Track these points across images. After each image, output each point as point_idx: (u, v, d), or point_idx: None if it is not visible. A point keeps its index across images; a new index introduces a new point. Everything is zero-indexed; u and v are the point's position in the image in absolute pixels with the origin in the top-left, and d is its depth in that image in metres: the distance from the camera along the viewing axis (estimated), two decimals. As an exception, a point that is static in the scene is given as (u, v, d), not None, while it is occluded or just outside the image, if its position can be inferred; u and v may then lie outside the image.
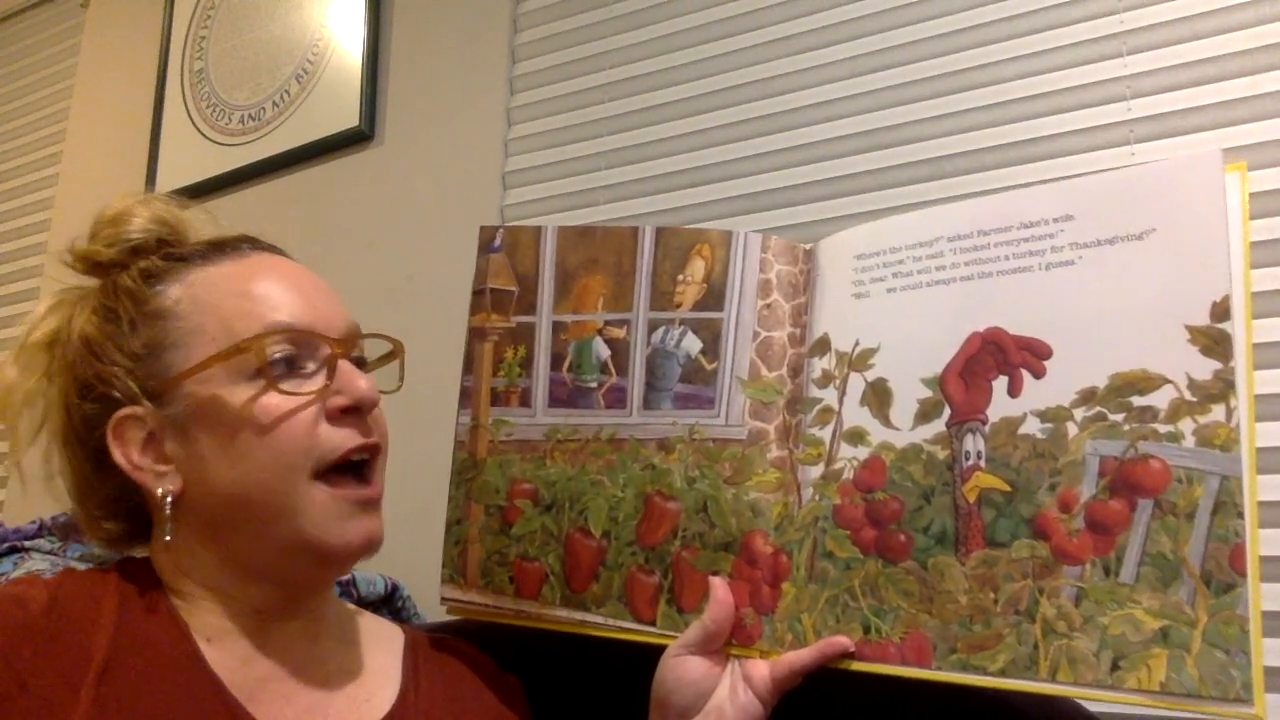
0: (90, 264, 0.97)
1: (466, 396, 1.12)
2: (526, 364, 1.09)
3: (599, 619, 1.02)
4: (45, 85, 2.97)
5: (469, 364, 1.12)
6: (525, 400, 1.09)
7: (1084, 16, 1.53)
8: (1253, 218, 1.33)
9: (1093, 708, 0.87)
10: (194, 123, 2.50)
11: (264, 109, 2.38)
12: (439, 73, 2.17)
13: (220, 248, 0.96)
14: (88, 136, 2.79)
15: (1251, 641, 0.74)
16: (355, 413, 0.91)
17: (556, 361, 1.08)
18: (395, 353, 1.04)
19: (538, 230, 1.11)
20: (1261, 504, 1.24)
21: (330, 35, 2.31)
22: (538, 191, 1.99)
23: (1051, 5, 1.56)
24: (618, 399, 1.05)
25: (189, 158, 2.47)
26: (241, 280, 0.92)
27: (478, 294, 1.13)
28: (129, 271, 0.94)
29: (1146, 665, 0.78)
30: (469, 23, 2.16)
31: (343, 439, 0.89)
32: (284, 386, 0.87)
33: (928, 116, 1.63)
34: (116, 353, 0.90)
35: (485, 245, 1.13)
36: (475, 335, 1.12)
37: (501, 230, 1.13)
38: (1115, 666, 0.79)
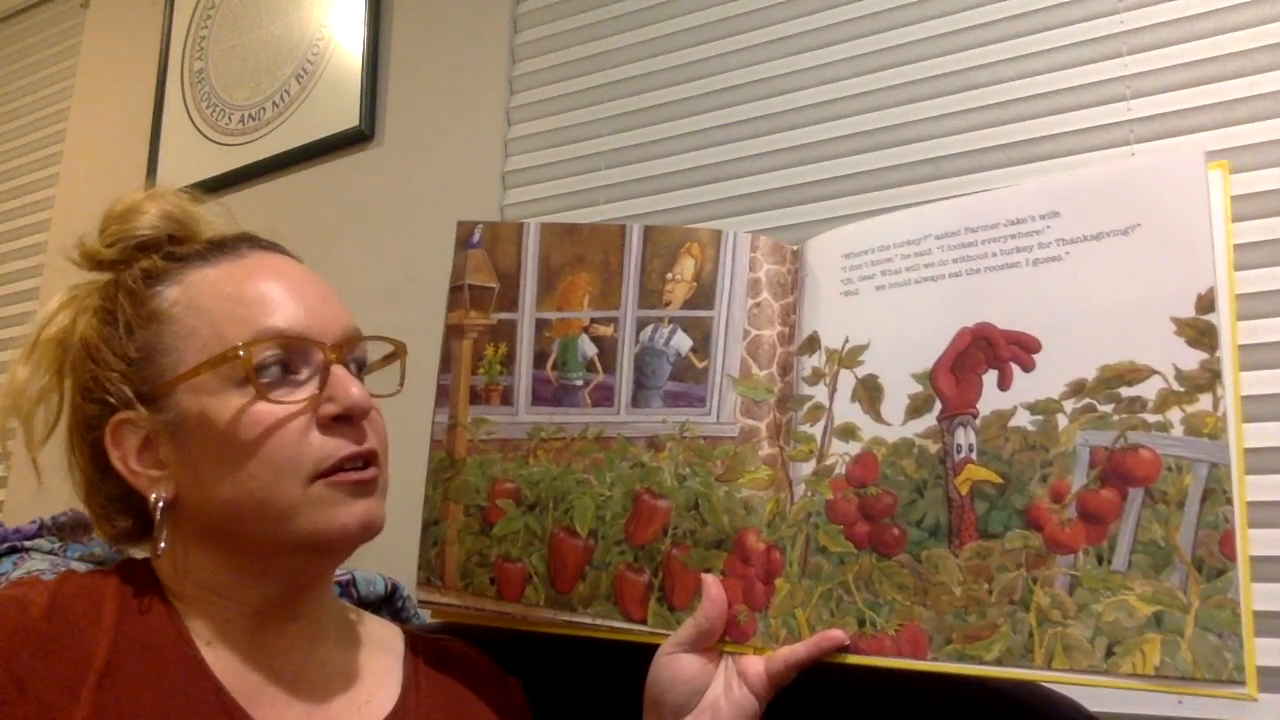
0: (93, 262, 0.97)
1: (444, 395, 1.10)
2: (508, 362, 1.08)
3: (586, 619, 1.01)
4: (45, 85, 2.99)
5: (446, 362, 1.11)
6: (507, 398, 1.08)
7: (1084, 16, 1.54)
8: (1253, 218, 1.34)
9: (1089, 692, 0.87)
10: (194, 123, 2.51)
11: (264, 109, 2.39)
12: (439, 73, 2.18)
13: (219, 247, 0.94)
14: (88, 136, 2.80)
15: (1243, 624, 0.75)
16: (347, 420, 0.89)
17: (540, 359, 1.07)
18: (397, 354, 1.02)
19: (520, 226, 1.10)
20: (1261, 503, 1.25)
21: (330, 35, 2.32)
22: (537, 191, 2.00)
23: (1051, 5, 1.57)
24: (604, 397, 1.04)
25: (189, 158, 2.48)
26: (235, 282, 0.90)
27: (455, 290, 1.12)
28: (132, 271, 0.93)
29: (1141, 650, 0.78)
30: (469, 23, 2.16)
31: (334, 448, 0.87)
32: (274, 395, 0.86)
33: (927, 116, 1.63)
34: (112, 356, 0.90)
35: (463, 240, 1.12)
36: (453, 332, 1.11)
37: (480, 226, 1.12)
38: (1110, 652, 0.79)
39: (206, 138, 2.47)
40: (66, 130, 2.86)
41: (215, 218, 1.00)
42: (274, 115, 2.36)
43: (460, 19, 2.18)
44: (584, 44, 2.03)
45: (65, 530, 1.12)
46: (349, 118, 2.23)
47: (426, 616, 1.24)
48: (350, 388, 0.88)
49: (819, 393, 0.98)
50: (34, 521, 1.12)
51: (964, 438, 0.89)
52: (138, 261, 0.94)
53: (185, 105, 2.54)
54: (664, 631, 0.97)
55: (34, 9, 3.10)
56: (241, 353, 0.85)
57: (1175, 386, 0.81)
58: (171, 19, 2.65)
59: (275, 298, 0.90)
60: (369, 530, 0.89)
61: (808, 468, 0.97)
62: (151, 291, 0.91)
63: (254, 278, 0.91)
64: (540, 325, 1.08)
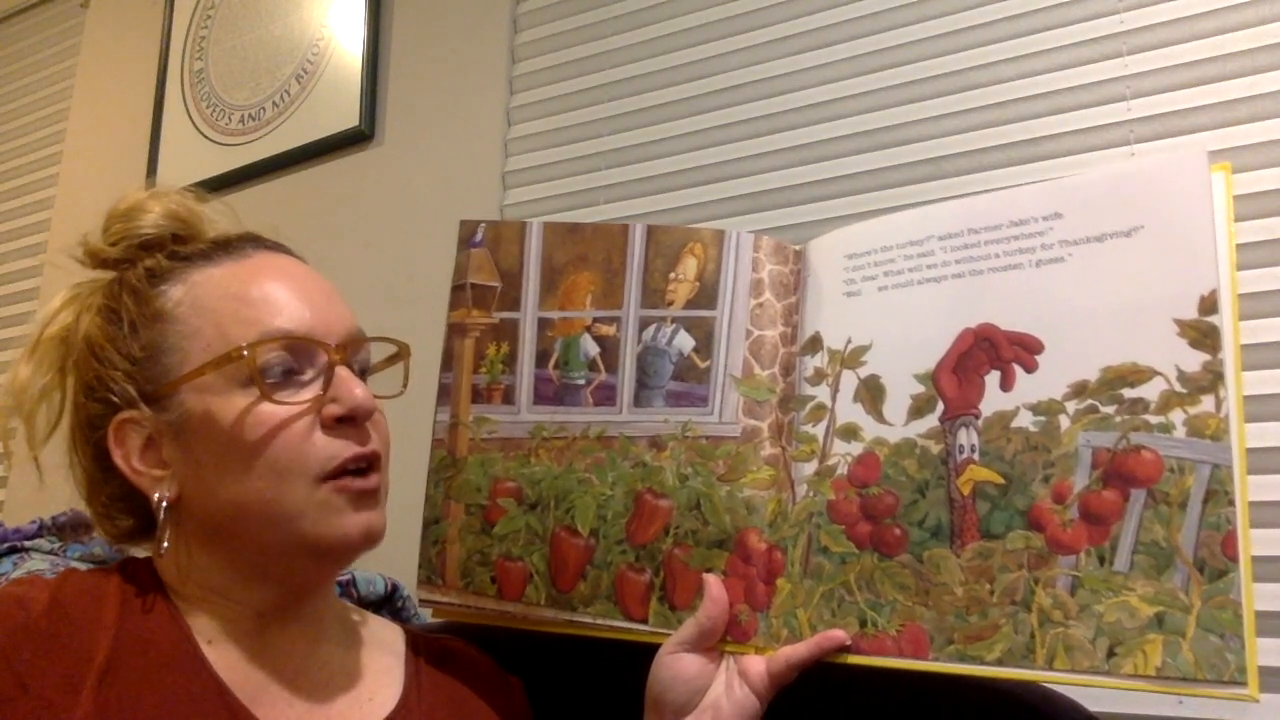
0: (97, 260, 0.97)
1: (445, 393, 1.10)
2: (510, 361, 1.08)
3: (587, 618, 1.01)
4: (45, 85, 2.99)
5: (448, 360, 1.11)
6: (509, 397, 1.08)
7: (1084, 16, 1.54)
8: (1253, 218, 1.34)
9: (1090, 693, 0.87)
10: (194, 123, 2.51)
11: (264, 109, 2.39)
12: (439, 73, 2.18)
13: (224, 247, 0.94)
14: (88, 136, 2.80)
15: (1245, 625, 0.75)
16: (351, 421, 0.89)
17: (542, 358, 1.07)
18: (401, 355, 1.02)
19: (522, 226, 1.10)
20: (1262, 503, 1.25)
21: (330, 35, 2.32)
22: (538, 191, 2.00)
23: (1051, 5, 1.57)
24: (606, 396, 1.04)
25: (189, 158, 2.48)
26: (240, 282, 0.90)
27: (457, 289, 1.12)
28: (135, 270, 0.93)
29: (1142, 651, 0.78)
30: (469, 23, 2.16)
31: (338, 449, 0.87)
32: (278, 396, 0.86)
33: (927, 116, 1.63)
34: (116, 355, 0.90)
35: (466, 240, 1.12)
36: (455, 331, 1.11)
37: (483, 225, 1.12)
38: (1111, 653, 0.79)
39: (206, 138, 2.47)
40: (66, 130, 2.86)
41: (219, 217, 1.00)
42: (274, 115, 2.36)
43: (460, 19, 2.18)
44: (584, 44, 2.03)
45: (65, 530, 1.12)
46: (349, 118, 2.23)
47: (427, 616, 1.24)
48: (354, 389, 0.88)
49: (821, 393, 0.98)
50: (34, 521, 1.12)
51: (966, 438, 0.89)
52: (142, 260, 0.94)
53: (185, 105, 2.54)
54: (665, 631, 0.97)
55: (34, 9, 3.10)
56: (246, 353, 0.85)
57: (1178, 388, 0.81)
58: (171, 19, 2.65)
59: (280, 298, 0.90)
60: (370, 540, 0.90)
61: (810, 468, 0.97)
62: (156, 290, 0.91)
63: (259, 278, 0.91)
64: (543, 324, 1.08)
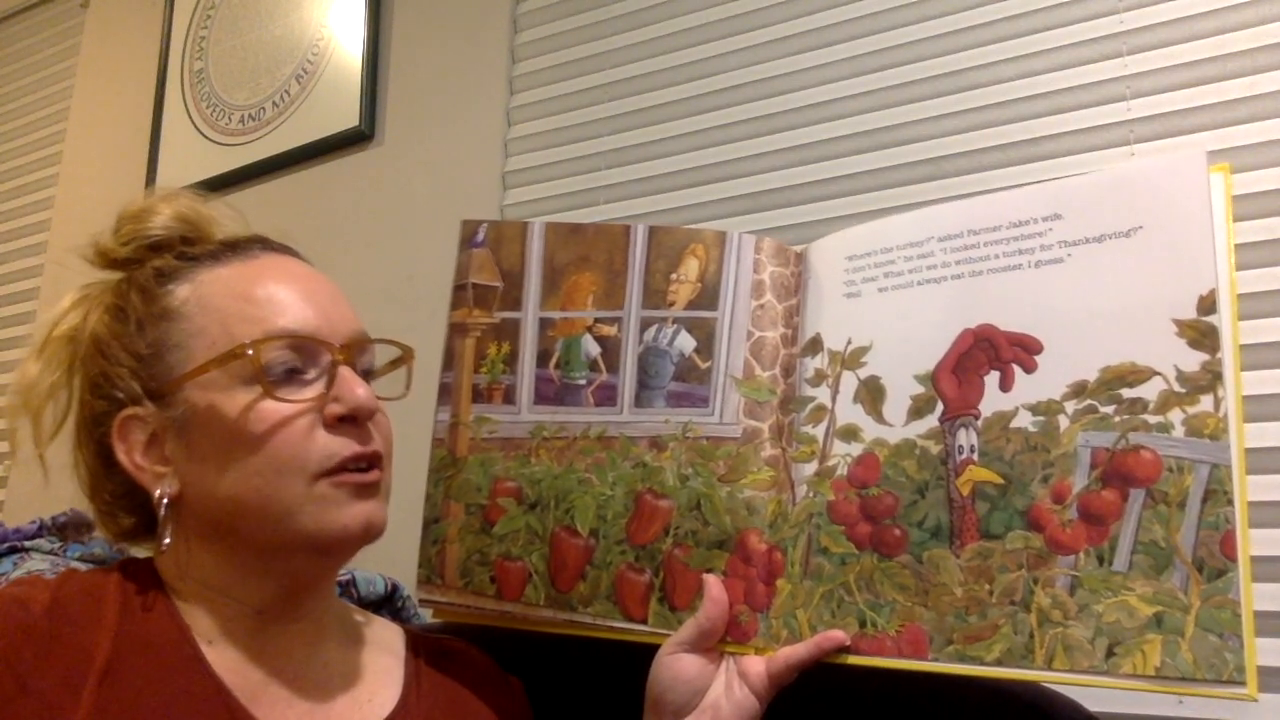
0: (107, 260, 0.97)
1: (446, 393, 1.11)
2: (511, 360, 1.08)
3: (587, 618, 1.01)
4: (45, 85, 2.99)
5: (449, 360, 1.11)
6: (509, 397, 1.08)
7: (1084, 16, 1.54)
8: (1253, 218, 1.34)
9: (1089, 693, 0.87)
10: (194, 123, 2.51)
11: (264, 109, 2.39)
12: (439, 73, 2.18)
13: (232, 247, 0.95)
14: (88, 136, 2.80)
15: (1244, 625, 0.75)
16: (353, 421, 0.89)
17: (543, 358, 1.07)
18: (404, 358, 1.02)
19: (524, 226, 1.10)
20: (1261, 503, 1.25)
21: (330, 35, 2.32)
22: (538, 191, 2.00)
23: (1051, 5, 1.57)
24: (607, 396, 1.04)
25: (189, 158, 2.48)
26: (247, 282, 0.91)
27: (459, 289, 1.12)
28: (144, 269, 0.94)
29: (1141, 651, 0.78)
30: (469, 23, 2.16)
31: (338, 447, 0.88)
32: (280, 394, 0.86)
33: (927, 116, 1.63)
34: (122, 352, 0.90)
35: (467, 240, 1.13)
36: (456, 331, 1.11)
37: (485, 225, 1.12)
38: (1110, 653, 0.80)
39: (206, 138, 2.47)
40: (66, 130, 2.86)
41: (228, 220, 1.01)
42: (274, 115, 2.36)
43: (460, 19, 2.18)
44: (584, 44, 2.03)
45: (65, 530, 1.12)
46: (349, 118, 2.23)
47: (427, 617, 1.24)
48: (356, 388, 0.89)
49: (821, 394, 0.98)
50: (34, 522, 1.12)
51: (965, 439, 0.89)
52: (150, 260, 0.95)
53: (185, 105, 2.54)
54: (665, 631, 0.97)
55: (34, 9, 3.10)
56: (250, 351, 0.86)
57: (1176, 388, 0.81)
58: (171, 19, 2.65)
59: (285, 298, 0.90)
60: (370, 533, 0.89)
61: (810, 468, 0.97)
62: (163, 289, 0.92)
63: (265, 278, 0.92)
64: (544, 324, 1.08)
